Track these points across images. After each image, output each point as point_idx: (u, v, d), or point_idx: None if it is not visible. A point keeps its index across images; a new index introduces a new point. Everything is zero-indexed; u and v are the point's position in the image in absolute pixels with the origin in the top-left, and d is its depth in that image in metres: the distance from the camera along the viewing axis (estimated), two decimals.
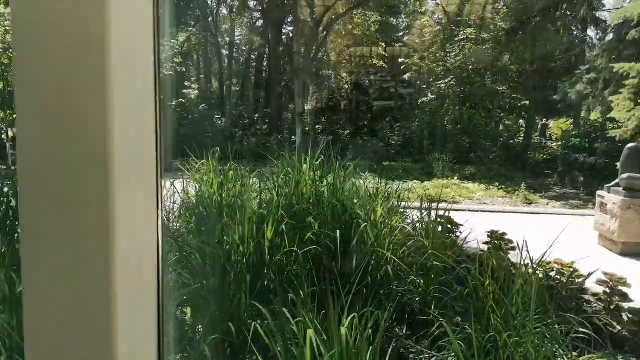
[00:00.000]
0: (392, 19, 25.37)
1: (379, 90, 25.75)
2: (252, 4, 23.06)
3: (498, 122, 18.31)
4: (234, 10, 22.55)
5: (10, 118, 12.35)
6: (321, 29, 17.77)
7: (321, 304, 2.50)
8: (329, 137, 19.09)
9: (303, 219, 3.25)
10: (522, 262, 3.12)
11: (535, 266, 3.33)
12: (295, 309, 2.27)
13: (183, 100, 19.74)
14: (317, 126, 20.11)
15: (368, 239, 3.19)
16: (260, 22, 25.05)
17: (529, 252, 3.20)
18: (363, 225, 3.15)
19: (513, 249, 4.44)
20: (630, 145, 6.73)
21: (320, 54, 25.92)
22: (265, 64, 25.33)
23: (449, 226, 5.06)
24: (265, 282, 2.69)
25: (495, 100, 17.46)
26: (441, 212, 4.76)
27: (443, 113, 17.55)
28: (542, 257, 3.41)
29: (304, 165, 4.72)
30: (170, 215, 3.91)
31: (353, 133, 21.30)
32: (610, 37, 12.36)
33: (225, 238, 2.78)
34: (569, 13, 15.05)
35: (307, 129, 18.74)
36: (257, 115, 19.90)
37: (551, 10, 14.84)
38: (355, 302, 2.59)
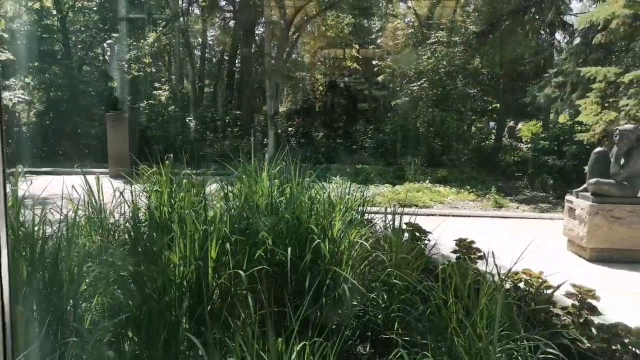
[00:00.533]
0: (365, 21, 25.34)
1: (353, 92, 25.70)
2: (222, 3, 22.68)
3: (470, 124, 18.41)
4: (205, 10, 22.09)
5: None
6: (292, 30, 17.52)
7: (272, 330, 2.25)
8: (301, 139, 18.88)
9: (255, 233, 2.99)
10: (490, 276, 2.97)
11: (503, 277, 3.18)
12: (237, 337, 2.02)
13: (153, 102, 19.21)
14: (290, 129, 19.83)
15: (324, 256, 2.96)
16: (232, 23, 24.66)
17: (496, 264, 3.05)
18: (316, 241, 2.91)
19: (481, 257, 4.29)
20: (597, 149, 6.71)
21: (293, 55, 25.73)
22: (237, 65, 24.91)
23: (417, 234, 4.88)
24: (207, 307, 2.42)
25: (466, 102, 17.55)
26: (410, 218, 4.59)
27: (415, 115, 17.53)
28: (510, 269, 3.26)
29: (263, 173, 4.46)
30: (113, 229, 3.60)
31: (327, 135, 21.13)
32: (577, 40, 12.50)
33: (163, 256, 2.51)
34: (537, 17, 15.19)
35: (279, 131, 18.45)
36: (228, 117, 19.51)
37: (520, 13, 14.96)
38: (307, 326, 2.36)
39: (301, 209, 3.29)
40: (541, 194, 11.33)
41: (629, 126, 6.52)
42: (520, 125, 21.13)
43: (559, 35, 16.86)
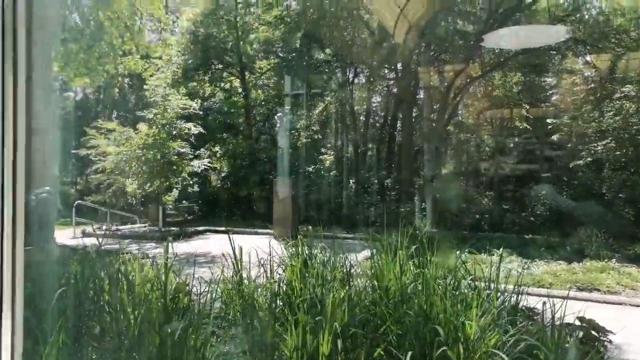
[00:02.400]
0: (536, 78, 23.74)
1: (523, 153, 23.84)
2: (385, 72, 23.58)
3: None
4: (370, 79, 23.28)
5: None
6: (452, 93, 17.24)
7: None
8: (462, 204, 17.91)
9: (376, 326, 2.73)
10: None
11: None
12: None
13: (319, 166, 20.56)
14: (450, 192, 19.02)
15: None
16: (394, 89, 25.44)
17: None
18: (442, 348, 2.51)
19: None
20: None
21: (456, 117, 25.21)
22: (398, 129, 25.35)
23: (593, 332, 4.03)
24: None
25: None
26: (585, 307, 3.79)
27: (599, 179, 15.33)
28: None
29: (399, 251, 4.21)
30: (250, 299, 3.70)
31: (493, 200, 19.72)
32: None
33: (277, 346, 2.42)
34: None
35: (437, 195, 17.84)
36: (388, 181, 19.68)
37: None
38: None
39: (431, 300, 2.93)
40: None
41: None
42: None
43: None
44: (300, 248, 4.43)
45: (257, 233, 13.62)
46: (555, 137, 20.66)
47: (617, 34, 16.40)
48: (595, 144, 16.14)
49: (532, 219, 15.88)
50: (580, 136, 18.16)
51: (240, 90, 21.42)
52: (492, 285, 4.21)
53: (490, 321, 3.22)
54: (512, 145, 24.95)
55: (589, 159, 16.75)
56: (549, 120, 23.50)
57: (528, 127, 21.93)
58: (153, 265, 4.33)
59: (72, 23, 19.68)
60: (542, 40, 17.05)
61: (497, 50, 19.02)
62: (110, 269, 4.29)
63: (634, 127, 15.09)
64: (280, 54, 21.25)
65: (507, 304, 3.97)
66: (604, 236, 11.27)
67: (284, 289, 3.62)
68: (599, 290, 8.04)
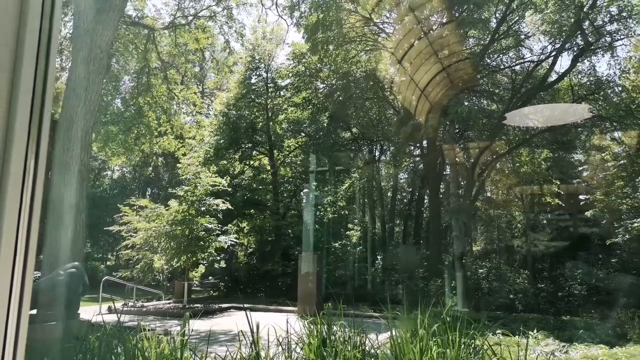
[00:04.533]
0: (564, 154, 23.63)
1: (557, 230, 23.19)
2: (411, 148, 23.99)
3: None
4: (394, 156, 23.65)
5: None
6: (479, 169, 17.27)
7: None
8: (494, 282, 17.20)
9: None
10: None
11: None
12: None
13: (346, 242, 20.39)
14: (481, 270, 18.41)
15: None
16: (420, 165, 25.69)
17: None
18: None
19: None
20: None
21: (486, 193, 25.03)
22: (425, 205, 25.23)
23: None
24: None
25: None
26: None
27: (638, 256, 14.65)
28: None
29: (421, 330, 4.08)
30: None
31: (527, 279, 18.92)
32: None
33: None
34: None
35: (468, 273, 17.27)
36: (415, 258, 19.28)
37: None
38: None
39: None
40: None
41: None
42: None
43: None
44: (319, 326, 4.35)
45: (280, 310, 13.35)
46: (589, 214, 20.15)
47: None
48: (632, 221, 15.63)
49: (570, 298, 15.06)
50: (614, 212, 17.66)
51: (268, 167, 22.07)
52: None
53: None
54: (545, 221, 24.38)
55: (627, 236, 16.17)
56: (581, 197, 23.08)
57: (560, 203, 21.52)
58: (169, 342, 4.30)
59: (113, 108, 21.22)
60: (566, 118, 17.21)
61: (523, 128, 19.26)
62: (127, 344, 4.28)
63: None
64: (309, 132, 22.04)
65: None
66: None
67: None
68: None
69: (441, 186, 23.05)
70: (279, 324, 4.57)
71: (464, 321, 4.37)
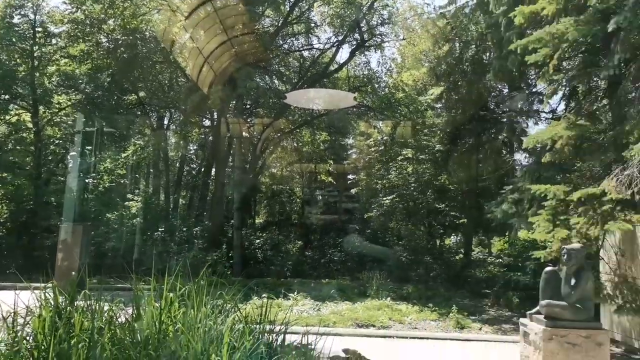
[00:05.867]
0: (339, 138, 26.44)
1: (327, 205, 25.96)
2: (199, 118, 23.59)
3: (440, 238, 18.32)
4: (183, 124, 22.91)
5: None
6: (264, 145, 18.06)
7: None
8: (268, 252, 18.39)
9: None
10: None
11: None
12: None
13: (123, 213, 18.90)
14: (258, 241, 19.43)
15: None
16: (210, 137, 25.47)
17: None
18: None
19: None
20: (547, 269, 6.43)
21: (271, 169, 26.34)
22: (212, 177, 25.22)
23: None
24: None
25: (436, 217, 17.63)
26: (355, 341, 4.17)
27: (385, 229, 17.48)
28: None
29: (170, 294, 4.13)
30: None
31: (298, 248, 20.74)
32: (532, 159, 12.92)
33: None
34: (496, 137, 15.91)
35: (246, 244, 18.05)
36: (197, 229, 19.15)
37: (479, 134, 15.71)
38: None
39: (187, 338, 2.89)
40: (506, 313, 10.81)
41: (576, 245, 6.35)
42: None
43: (519, 155, 17.53)
44: (55, 298, 4.06)
45: (36, 288, 11.74)
46: (353, 191, 22.99)
47: (399, 105, 19.45)
48: (384, 198, 18.45)
49: (330, 264, 17.12)
50: (372, 190, 20.59)
51: (30, 125, 18.87)
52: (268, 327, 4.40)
53: (242, 355, 3.35)
54: (320, 197, 27.00)
55: (379, 211, 19.02)
56: (349, 176, 26.28)
57: (332, 181, 24.15)
58: None
59: None
60: (338, 104, 19.25)
61: (308, 111, 20.87)
62: None
63: (412, 185, 17.73)
64: (86, 90, 19.51)
65: (277, 341, 4.25)
66: (382, 278, 12.73)
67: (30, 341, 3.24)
68: (374, 325, 8.95)
69: (229, 160, 23.33)
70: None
71: (226, 287, 4.57)
